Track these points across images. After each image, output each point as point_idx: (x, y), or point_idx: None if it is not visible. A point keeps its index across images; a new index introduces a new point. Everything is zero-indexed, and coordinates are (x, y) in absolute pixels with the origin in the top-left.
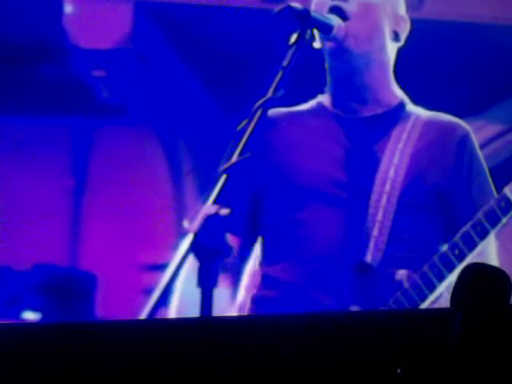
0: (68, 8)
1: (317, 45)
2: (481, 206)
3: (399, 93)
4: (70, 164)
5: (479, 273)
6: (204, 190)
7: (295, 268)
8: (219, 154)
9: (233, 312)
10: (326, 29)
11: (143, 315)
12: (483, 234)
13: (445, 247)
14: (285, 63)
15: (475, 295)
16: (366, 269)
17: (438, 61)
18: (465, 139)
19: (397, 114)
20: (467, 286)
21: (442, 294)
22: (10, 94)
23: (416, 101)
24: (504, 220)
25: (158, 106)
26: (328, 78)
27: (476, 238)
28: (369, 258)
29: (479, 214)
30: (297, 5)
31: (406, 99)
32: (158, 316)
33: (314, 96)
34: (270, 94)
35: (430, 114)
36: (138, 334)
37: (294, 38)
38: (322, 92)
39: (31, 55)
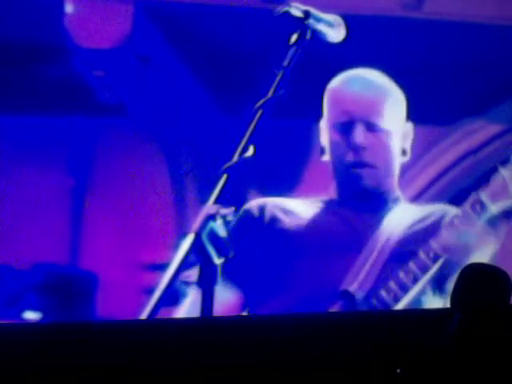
0: (68, 8)
1: (326, 159)
2: None
3: (398, 192)
4: (70, 164)
5: (479, 273)
6: (204, 190)
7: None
8: (219, 154)
9: None
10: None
11: (144, 315)
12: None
13: (421, 252)
14: (285, 63)
15: (475, 295)
16: (347, 297)
17: (438, 61)
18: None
19: (391, 206)
20: (467, 285)
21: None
22: (10, 93)
23: (416, 101)
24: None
25: (158, 106)
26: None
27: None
28: (352, 290)
29: (454, 217)
30: (297, 5)
31: (402, 197)
32: (159, 316)
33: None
34: (270, 94)
35: (421, 208)
36: (138, 333)
37: (294, 38)
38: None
39: (31, 55)
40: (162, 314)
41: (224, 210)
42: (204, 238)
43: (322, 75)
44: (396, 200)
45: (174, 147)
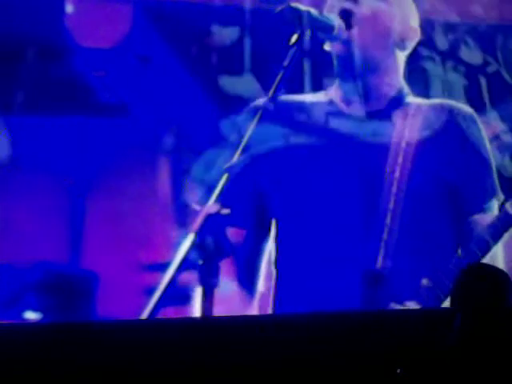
0: (68, 7)
1: (327, 47)
2: (485, 194)
3: (402, 86)
4: (70, 164)
5: (479, 273)
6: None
7: (305, 267)
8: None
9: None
10: (327, 29)
11: (144, 315)
12: (486, 250)
13: (451, 264)
14: (285, 63)
15: (475, 295)
16: (376, 277)
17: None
18: (471, 120)
19: (396, 106)
20: (467, 285)
21: None
22: (9, 93)
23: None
24: (506, 235)
25: (158, 106)
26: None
27: (479, 253)
28: (379, 264)
29: (482, 231)
30: (297, 5)
31: (407, 90)
32: (159, 316)
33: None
34: (270, 93)
35: (430, 101)
36: (138, 333)
37: (294, 38)
38: (329, 80)
39: (30, 55)
40: (162, 313)
41: (224, 210)
42: (204, 237)
43: (322, 75)
44: (402, 93)
45: (174, 146)
